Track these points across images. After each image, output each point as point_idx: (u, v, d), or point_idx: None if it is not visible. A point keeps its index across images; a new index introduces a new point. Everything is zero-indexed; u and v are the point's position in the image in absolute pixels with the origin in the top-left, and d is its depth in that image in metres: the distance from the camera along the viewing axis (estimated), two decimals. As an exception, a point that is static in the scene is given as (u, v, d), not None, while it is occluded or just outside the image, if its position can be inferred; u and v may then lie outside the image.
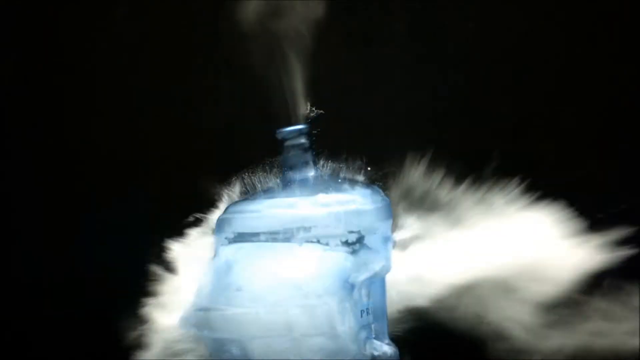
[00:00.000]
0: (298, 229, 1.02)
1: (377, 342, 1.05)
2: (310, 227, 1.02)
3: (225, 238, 1.03)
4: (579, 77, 1.31)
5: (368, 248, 1.04)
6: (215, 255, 1.04)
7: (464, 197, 1.17)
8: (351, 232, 1.02)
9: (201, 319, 1.02)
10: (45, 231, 1.40)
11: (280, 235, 1.02)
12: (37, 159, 1.41)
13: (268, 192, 1.07)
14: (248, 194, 1.12)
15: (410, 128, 1.37)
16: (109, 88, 1.38)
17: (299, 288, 0.98)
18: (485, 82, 1.33)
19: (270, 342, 0.98)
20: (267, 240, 1.02)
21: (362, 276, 1.03)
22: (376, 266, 1.03)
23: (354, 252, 1.03)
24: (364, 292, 1.04)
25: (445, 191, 1.17)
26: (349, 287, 1.03)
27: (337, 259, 1.02)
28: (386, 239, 1.07)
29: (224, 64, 1.39)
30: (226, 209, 1.07)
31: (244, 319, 0.98)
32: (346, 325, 0.99)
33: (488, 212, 1.13)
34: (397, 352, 1.06)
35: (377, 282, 1.06)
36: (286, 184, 1.08)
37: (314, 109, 1.16)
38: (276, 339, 0.98)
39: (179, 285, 1.15)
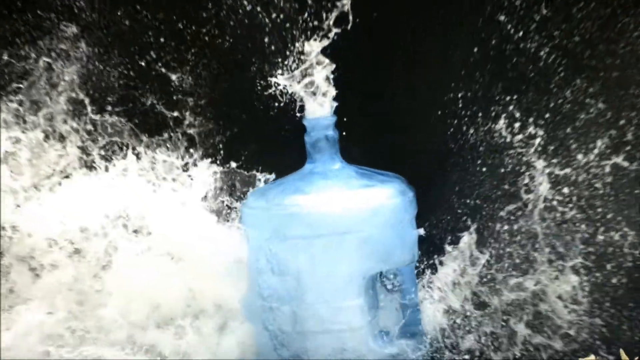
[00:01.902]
0: (339, 229, 1.07)
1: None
2: (347, 227, 1.07)
3: (275, 237, 1.08)
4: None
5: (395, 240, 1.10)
6: (262, 250, 1.10)
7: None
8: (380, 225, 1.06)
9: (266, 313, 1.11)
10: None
11: (327, 234, 1.08)
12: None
13: (298, 185, 1.10)
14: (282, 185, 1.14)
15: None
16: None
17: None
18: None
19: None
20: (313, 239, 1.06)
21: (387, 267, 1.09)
22: (405, 257, 1.09)
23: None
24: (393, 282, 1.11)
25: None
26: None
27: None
28: (414, 226, 1.14)
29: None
30: (268, 203, 1.11)
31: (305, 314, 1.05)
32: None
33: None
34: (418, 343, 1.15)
35: (407, 272, 1.16)
36: (311, 175, 1.12)
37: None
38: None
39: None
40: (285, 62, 1.40)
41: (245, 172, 1.63)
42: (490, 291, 1.57)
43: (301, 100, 1.22)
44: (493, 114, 1.63)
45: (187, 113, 1.62)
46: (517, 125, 1.60)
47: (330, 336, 1.13)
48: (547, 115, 1.58)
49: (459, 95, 1.61)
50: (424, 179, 1.52)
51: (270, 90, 1.37)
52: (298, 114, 1.23)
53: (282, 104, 1.36)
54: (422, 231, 1.24)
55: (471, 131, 1.64)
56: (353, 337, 1.12)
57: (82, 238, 1.56)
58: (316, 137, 1.15)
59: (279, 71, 1.32)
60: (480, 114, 1.64)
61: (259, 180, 1.59)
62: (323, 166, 1.16)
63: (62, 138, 1.62)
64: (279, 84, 1.33)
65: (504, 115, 1.61)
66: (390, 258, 1.14)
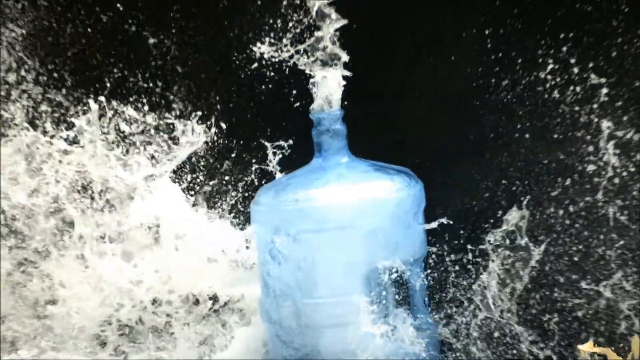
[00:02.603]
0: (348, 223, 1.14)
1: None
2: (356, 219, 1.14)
3: (281, 232, 1.16)
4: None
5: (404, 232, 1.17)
6: (275, 244, 1.17)
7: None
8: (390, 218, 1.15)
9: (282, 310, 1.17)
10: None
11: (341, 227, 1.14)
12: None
13: (307, 179, 1.19)
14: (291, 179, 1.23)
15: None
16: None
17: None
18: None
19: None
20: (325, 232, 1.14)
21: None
22: (411, 251, 1.18)
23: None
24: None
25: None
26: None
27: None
28: (421, 221, 1.21)
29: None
30: (278, 199, 1.19)
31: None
32: None
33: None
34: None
35: (417, 265, 1.20)
36: (318, 169, 1.20)
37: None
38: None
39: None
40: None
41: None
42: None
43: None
44: (540, 59, 1.38)
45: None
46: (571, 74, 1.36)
47: (334, 331, 1.18)
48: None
49: (487, 32, 1.41)
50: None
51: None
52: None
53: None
54: (435, 224, 1.26)
55: (505, 84, 1.42)
56: (357, 332, 1.16)
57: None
58: (323, 132, 1.22)
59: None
60: (520, 60, 1.40)
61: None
62: (331, 160, 1.22)
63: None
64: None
65: (551, 62, 1.37)
66: (395, 252, 1.17)
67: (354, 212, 1.16)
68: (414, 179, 1.24)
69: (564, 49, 1.35)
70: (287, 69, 1.36)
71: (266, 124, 1.54)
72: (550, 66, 1.37)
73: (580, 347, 1.25)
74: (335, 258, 1.17)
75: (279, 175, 1.48)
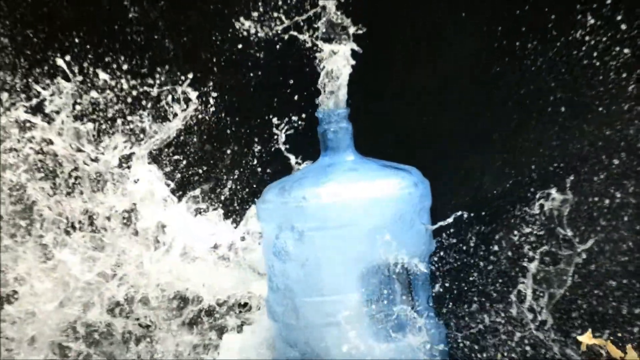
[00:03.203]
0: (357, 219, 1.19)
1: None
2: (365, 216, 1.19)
3: (283, 229, 1.21)
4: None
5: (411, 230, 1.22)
6: (283, 241, 1.21)
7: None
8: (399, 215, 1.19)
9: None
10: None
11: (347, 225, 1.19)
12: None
13: (314, 178, 1.23)
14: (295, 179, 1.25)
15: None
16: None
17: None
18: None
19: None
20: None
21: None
22: (413, 251, 1.21)
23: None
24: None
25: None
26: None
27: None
28: (427, 219, 1.24)
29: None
30: (285, 197, 1.21)
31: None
32: None
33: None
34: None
35: (422, 263, 1.22)
36: (323, 167, 1.25)
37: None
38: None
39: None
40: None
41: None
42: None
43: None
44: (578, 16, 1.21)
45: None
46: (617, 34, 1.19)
47: (338, 330, 1.21)
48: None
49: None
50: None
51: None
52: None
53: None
54: (451, 219, 1.27)
55: (532, 47, 1.26)
56: (360, 332, 1.20)
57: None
58: (329, 130, 1.28)
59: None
60: (552, 16, 1.23)
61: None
62: (336, 158, 1.28)
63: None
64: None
65: (591, 18, 1.20)
66: (399, 250, 1.21)
67: (358, 210, 1.20)
68: (420, 177, 1.28)
69: (608, 1, 1.18)
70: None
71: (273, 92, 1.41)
72: (591, 22, 1.19)
73: (579, 338, 1.25)
74: (338, 256, 1.21)
75: (287, 155, 1.42)
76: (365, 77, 1.28)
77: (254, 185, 1.43)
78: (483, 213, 1.33)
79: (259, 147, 1.44)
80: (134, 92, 1.42)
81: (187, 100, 1.43)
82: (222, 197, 1.48)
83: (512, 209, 1.31)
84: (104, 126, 1.43)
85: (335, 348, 1.23)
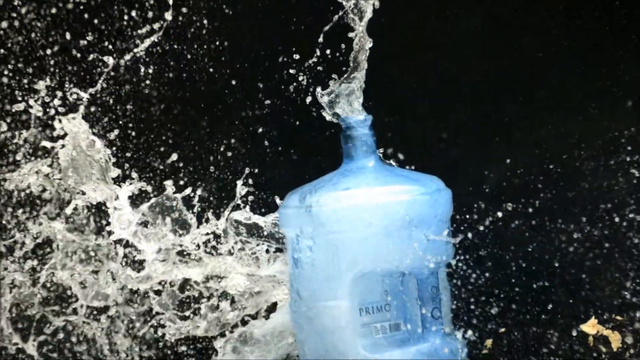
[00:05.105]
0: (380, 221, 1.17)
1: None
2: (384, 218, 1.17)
3: (300, 235, 1.21)
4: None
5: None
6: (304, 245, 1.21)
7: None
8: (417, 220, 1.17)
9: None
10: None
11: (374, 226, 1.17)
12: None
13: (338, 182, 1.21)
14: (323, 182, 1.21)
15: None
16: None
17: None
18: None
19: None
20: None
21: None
22: (419, 263, 1.19)
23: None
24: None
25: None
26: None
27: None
28: (447, 227, 1.22)
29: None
30: (309, 200, 1.20)
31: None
32: None
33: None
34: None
35: (438, 272, 1.22)
36: (342, 173, 1.24)
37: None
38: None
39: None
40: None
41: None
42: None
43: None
44: None
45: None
46: None
47: (322, 337, 1.23)
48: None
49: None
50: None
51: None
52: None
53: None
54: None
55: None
56: (340, 339, 1.21)
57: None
58: (352, 137, 1.27)
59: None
60: None
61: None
62: (356, 165, 1.27)
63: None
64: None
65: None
66: (414, 258, 1.20)
67: (373, 216, 1.20)
68: (441, 185, 1.27)
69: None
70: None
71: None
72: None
73: (582, 327, 1.24)
74: (352, 261, 1.21)
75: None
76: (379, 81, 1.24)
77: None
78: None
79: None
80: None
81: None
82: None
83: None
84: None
85: (350, 354, 1.21)
